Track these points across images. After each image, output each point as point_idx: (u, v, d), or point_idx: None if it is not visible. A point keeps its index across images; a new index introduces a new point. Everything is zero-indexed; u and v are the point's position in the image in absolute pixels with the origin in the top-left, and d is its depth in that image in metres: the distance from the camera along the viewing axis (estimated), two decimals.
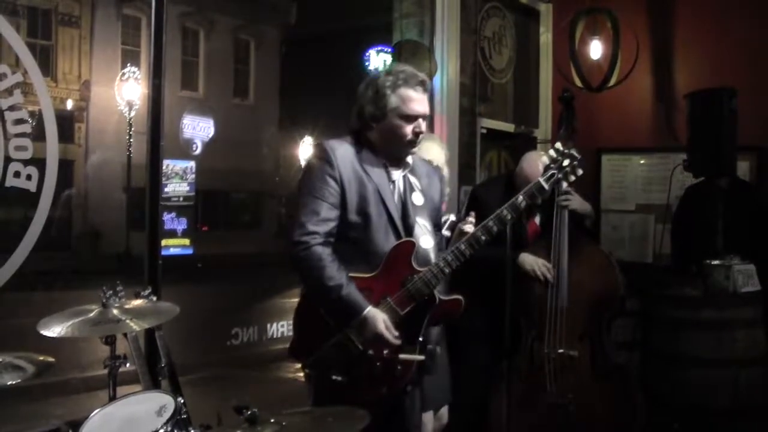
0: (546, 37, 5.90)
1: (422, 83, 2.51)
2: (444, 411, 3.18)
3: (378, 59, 6.01)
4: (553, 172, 2.58)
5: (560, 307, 3.58)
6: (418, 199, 2.57)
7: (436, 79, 4.90)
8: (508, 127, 5.51)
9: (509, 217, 2.51)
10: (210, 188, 18.40)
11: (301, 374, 2.83)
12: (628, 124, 5.47)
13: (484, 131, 5.23)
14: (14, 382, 2.17)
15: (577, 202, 3.69)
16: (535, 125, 5.82)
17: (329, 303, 2.38)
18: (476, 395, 3.61)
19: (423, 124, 2.52)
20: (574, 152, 2.58)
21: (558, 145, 2.64)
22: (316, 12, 19.05)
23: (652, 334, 4.15)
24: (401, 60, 4.82)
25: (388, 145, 2.53)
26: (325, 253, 2.38)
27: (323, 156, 2.47)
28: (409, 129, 2.49)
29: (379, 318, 2.37)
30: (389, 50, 5.31)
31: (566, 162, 2.58)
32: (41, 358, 2.31)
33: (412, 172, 2.60)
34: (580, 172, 2.61)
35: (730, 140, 4.13)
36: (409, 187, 2.57)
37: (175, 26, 18.87)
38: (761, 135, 4.71)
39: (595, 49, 5.30)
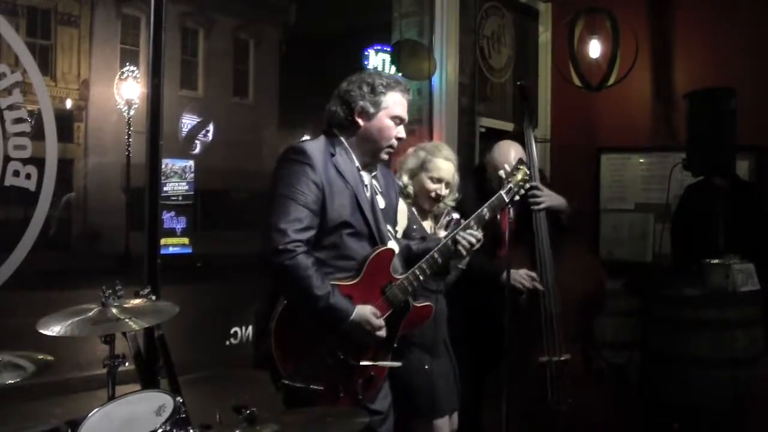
0: (545, 36, 5.90)
1: (408, 91, 2.57)
2: (455, 416, 3.20)
3: (377, 58, 6.01)
4: (510, 186, 2.77)
5: (554, 314, 3.53)
6: (380, 202, 2.58)
7: (435, 78, 4.90)
8: (507, 126, 5.50)
9: (476, 228, 2.62)
10: (209, 188, 18.37)
11: None
12: (628, 124, 5.46)
13: (483, 130, 5.23)
14: (14, 381, 2.16)
15: (550, 199, 3.62)
16: (534, 124, 5.80)
17: (317, 311, 2.33)
18: (465, 405, 3.55)
19: (404, 132, 2.55)
20: (525, 168, 2.82)
21: (506, 167, 2.86)
22: (315, 11, 19.03)
23: (651, 334, 4.15)
24: (401, 59, 4.82)
25: (370, 146, 2.51)
26: (309, 262, 2.31)
27: (304, 160, 2.38)
28: (394, 131, 2.50)
29: (367, 311, 2.38)
30: (388, 50, 5.30)
31: (519, 176, 2.78)
32: (41, 357, 2.30)
33: (375, 176, 2.62)
34: (528, 186, 2.85)
35: (729, 140, 4.14)
36: (374, 191, 2.58)
37: (175, 25, 18.85)
38: (760, 135, 4.71)
39: (594, 49, 5.31)
